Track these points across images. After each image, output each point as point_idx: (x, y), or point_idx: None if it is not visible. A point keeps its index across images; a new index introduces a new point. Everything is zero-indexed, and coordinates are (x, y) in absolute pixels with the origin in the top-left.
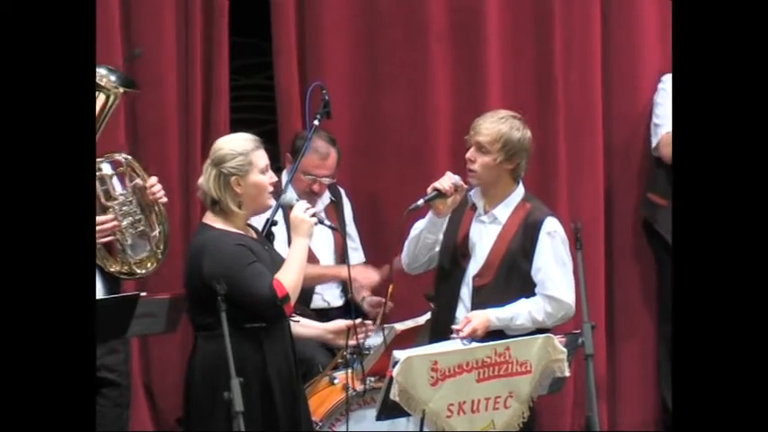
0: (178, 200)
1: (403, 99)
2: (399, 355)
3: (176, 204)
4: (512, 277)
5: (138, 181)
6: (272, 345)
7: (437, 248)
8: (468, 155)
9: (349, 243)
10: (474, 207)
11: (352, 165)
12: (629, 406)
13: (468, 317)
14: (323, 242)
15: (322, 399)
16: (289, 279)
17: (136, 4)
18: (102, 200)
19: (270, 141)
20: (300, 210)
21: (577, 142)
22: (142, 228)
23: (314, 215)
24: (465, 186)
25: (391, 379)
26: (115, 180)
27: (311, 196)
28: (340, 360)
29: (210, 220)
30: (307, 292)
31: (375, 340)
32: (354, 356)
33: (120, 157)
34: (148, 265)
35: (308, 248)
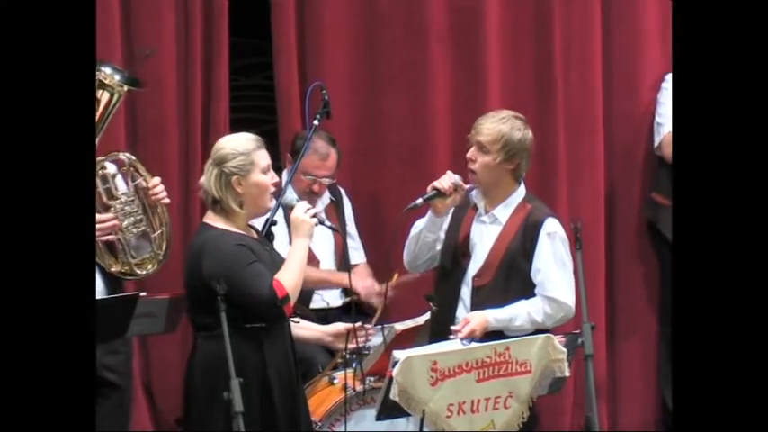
0: (178, 200)
1: (403, 99)
2: (399, 354)
3: (176, 204)
4: (511, 278)
5: (141, 181)
6: (272, 345)
7: (438, 247)
8: (468, 154)
9: (349, 243)
10: (475, 207)
11: (352, 165)
12: (630, 406)
13: (467, 317)
14: (323, 242)
15: (321, 399)
16: (289, 279)
17: (136, 4)
18: (104, 198)
19: (270, 141)
20: (301, 210)
21: (577, 142)
22: (143, 228)
23: (314, 216)
24: (465, 186)
25: (391, 379)
26: (119, 179)
27: (311, 196)
28: (339, 360)
29: (211, 219)
30: (306, 293)
31: (375, 340)
32: (354, 356)
33: (124, 156)
34: (149, 266)
35: (309, 249)
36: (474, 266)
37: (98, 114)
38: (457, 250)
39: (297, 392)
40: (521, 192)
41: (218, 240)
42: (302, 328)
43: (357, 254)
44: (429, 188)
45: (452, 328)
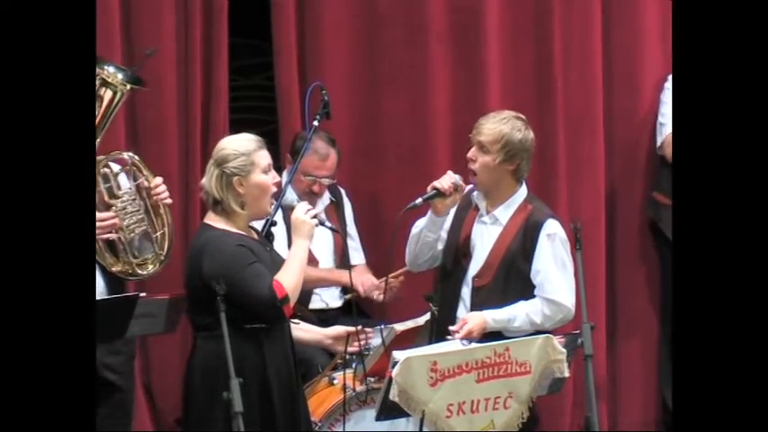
0: (178, 200)
1: (403, 99)
2: (399, 355)
3: (176, 205)
4: (511, 279)
5: (143, 181)
6: (272, 345)
7: (440, 247)
8: (469, 154)
9: (349, 243)
10: (477, 208)
11: (352, 165)
12: (630, 406)
13: (465, 318)
14: (322, 243)
15: (321, 399)
16: (288, 280)
17: (136, 4)
18: (106, 197)
19: (270, 142)
20: (301, 211)
21: (577, 142)
22: (145, 227)
23: (315, 216)
24: (465, 186)
25: (391, 379)
26: (122, 177)
27: (311, 197)
28: (339, 360)
29: (212, 220)
30: (306, 293)
31: (375, 341)
32: (354, 357)
33: (127, 155)
34: (150, 267)
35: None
36: (474, 267)
37: (101, 113)
38: (458, 250)
39: (296, 393)
40: (522, 192)
41: (219, 241)
42: (302, 330)
43: (357, 255)
44: (429, 188)
45: (450, 328)
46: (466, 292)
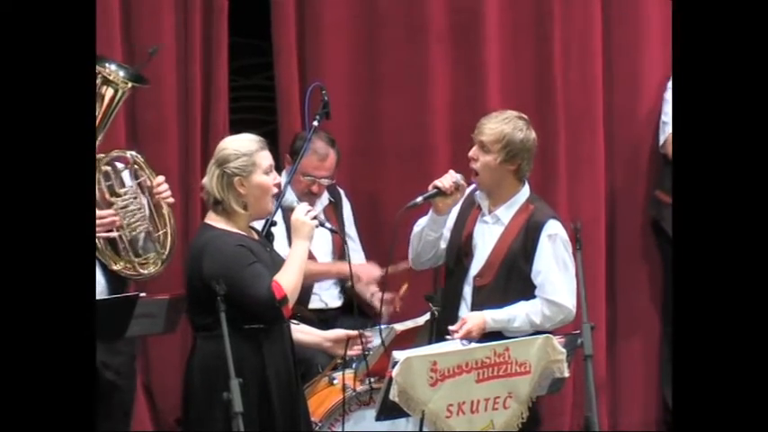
0: (177, 200)
1: (403, 99)
2: (399, 355)
3: (176, 205)
4: (512, 279)
5: (145, 180)
6: (272, 346)
7: (442, 245)
8: (470, 153)
9: (349, 243)
10: (479, 207)
11: (352, 165)
12: (631, 406)
13: (464, 318)
14: (321, 243)
15: (321, 399)
16: (288, 281)
17: (136, 4)
18: (107, 195)
19: (270, 142)
20: (301, 212)
21: (577, 142)
22: (146, 226)
23: (315, 218)
24: (466, 185)
25: (391, 379)
26: (125, 175)
27: (310, 197)
28: (339, 361)
29: (212, 220)
30: (305, 293)
31: (375, 341)
32: (355, 357)
33: (129, 154)
34: (151, 268)
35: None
36: (476, 266)
37: (102, 111)
38: (460, 249)
39: (296, 393)
40: (524, 192)
41: (219, 241)
42: (301, 332)
43: (356, 255)
44: (430, 187)
45: (450, 328)
46: (467, 291)
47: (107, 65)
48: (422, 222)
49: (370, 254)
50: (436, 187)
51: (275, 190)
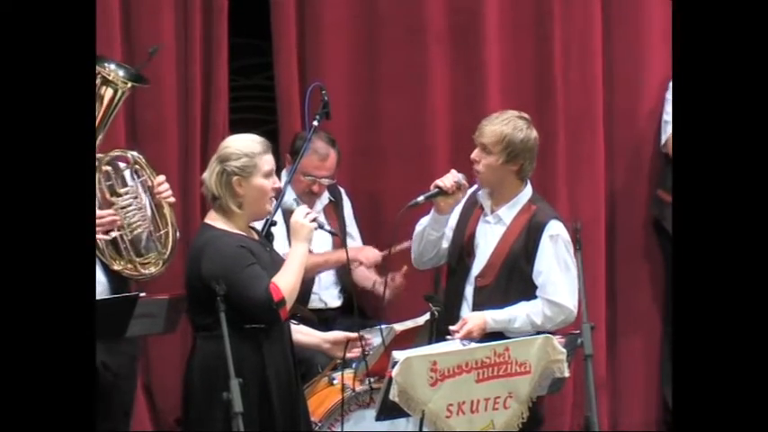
0: (177, 200)
1: (403, 99)
2: (398, 355)
3: (175, 205)
4: (513, 279)
5: (146, 179)
6: (271, 346)
7: (444, 245)
8: (472, 155)
9: (350, 242)
10: (481, 207)
11: (352, 165)
12: (631, 405)
13: (465, 318)
14: (321, 244)
15: (321, 399)
16: (286, 283)
17: (136, 4)
18: (107, 195)
19: (270, 142)
20: (300, 214)
21: (577, 142)
22: (147, 226)
23: (314, 220)
24: (468, 185)
25: (390, 379)
26: (127, 174)
27: (310, 197)
28: (339, 361)
29: (212, 219)
30: (305, 292)
31: (375, 341)
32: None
33: (130, 154)
34: (152, 268)
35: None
36: (477, 266)
37: (102, 111)
38: (462, 249)
39: (296, 393)
40: (527, 192)
41: (219, 241)
42: (301, 333)
43: None
44: (432, 186)
45: (450, 328)
46: (469, 291)
47: (107, 65)
48: (424, 222)
49: None
50: (438, 187)
51: (272, 194)
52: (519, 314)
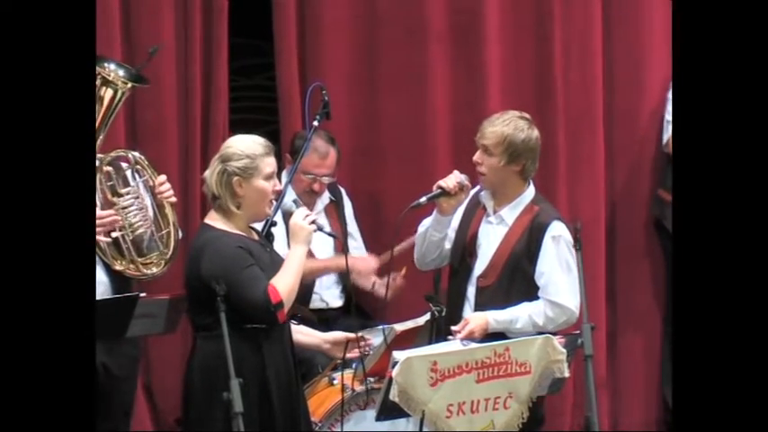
0: (177, 201)
1: (403, 99)
2: (399, 355)
3: (175, 205)
4: (515, 280)
5: (148, 179)
6: (271, 346)
7: (447, 246)
8: (474, 157)
9: (351, 242)
10: (484, 207)
11: (352, 165)
12: (631, 405)
13: (467, 318)
14: (323, 244)
15: (321, 399)
16: (284, 285)
17: (136, 4)
18: (108, 195)
19: (272, 142)
20: (300, 217)
21: (577, 142)
22: (149, 226)
23: (313, 222)
24: (470, 186)
25: (391, 380)
26: (128, 176)
27: (311, 196)
28: (339, 361)
29: (212, 220)
30: (305, 293)
31: (375, 341)
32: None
33: (131, 155)
34: (154, 268)
35: (308, 250)
36: (479, 267)
37: (102, 112)
38: (464, 250)
39: (296, 393)
40: (529, 193)
41: (218, 242)
42: (301, 334)
43: (359, 253)
44: (435, 187)
45: (452, 328)
46: (471, 291)
47: (107, 65)
48: (426, 223)
49: (371, 253)
50: (440, 187)
51: (273, 196)
52: (521, 315)
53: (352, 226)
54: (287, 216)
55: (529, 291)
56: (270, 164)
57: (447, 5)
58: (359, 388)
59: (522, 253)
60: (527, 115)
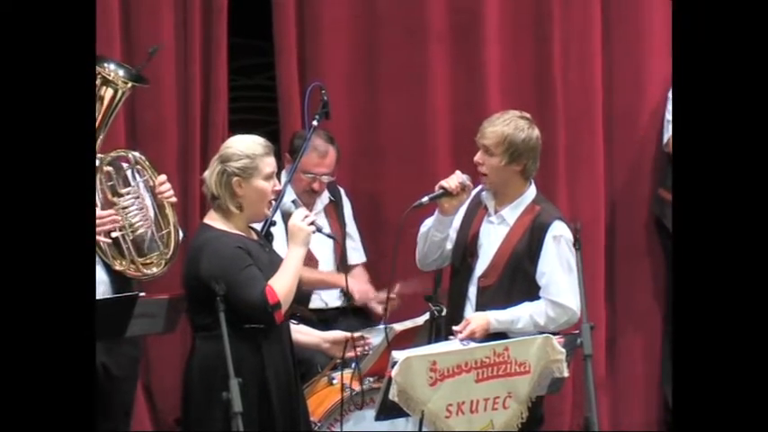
0: (177, 201)
1: (403, 99)
2: (398, 355)
3: (175, 205)
4: (516, 279)
5: (148, 179)
6: (271, 346)
7: (449, 246)
8: (475, 158)
9: (349, 243)
10: (485, 207)
11: (352, 165)
12: (631, 405)
13: (468, 318)
14: (322, 244)
15: (321, 399)
16: (282, 286)
17: (136, 3)
18: (109, 195)
19: (271, 142)
20: (298, 218)
21: (577, 142)
22: (149, 226)
23: (312, 223)
24: (472, 186)
25: (390, 379)
26: (128, 176)
27: (311, 195)
28: (339, 360)
29: (211, 219)
30: (305, 293)
31: (374, 341)
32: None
33: (131, 155)
34: (155, 268)
35: (308, 250)
36: (481, 267)
37: (102, 112)
38: (466, 250)
39: (295, 393)
40: (531, 193)
41: (217, 242)
42: (300, 333)
43: (357, 254)
44: (437, 187)
45: (454, 328)
46: (472, 291)
47: (106, 65)
48: (428, 223)
49: (370, 253)
50: (442, 188)
51: (272, 197)
52: (522, 315)
53: (351, 226)
54: (286, 216)
55: (530, 291)
56: (269, 164)
57: (447, 5)
58: (358, 388)
59: (524, 253)
60: (527, 115)
